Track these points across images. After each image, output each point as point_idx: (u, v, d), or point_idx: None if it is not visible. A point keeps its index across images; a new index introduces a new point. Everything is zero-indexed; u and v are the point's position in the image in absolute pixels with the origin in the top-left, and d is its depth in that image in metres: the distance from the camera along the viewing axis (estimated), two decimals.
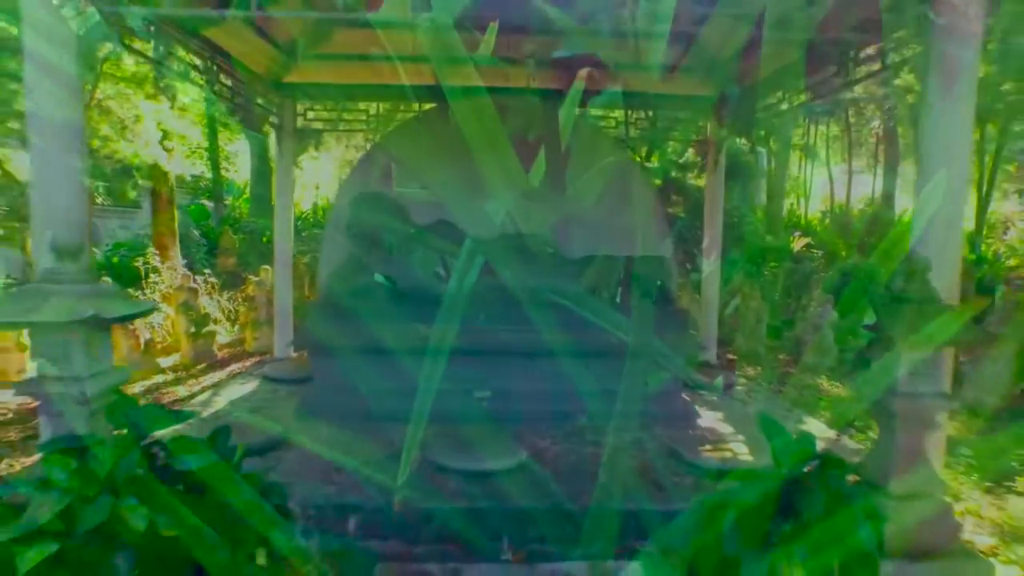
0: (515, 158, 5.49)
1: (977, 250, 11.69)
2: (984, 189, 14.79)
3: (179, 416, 3.43)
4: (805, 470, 3.46)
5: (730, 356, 8.62)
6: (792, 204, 22.83)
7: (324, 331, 5.24)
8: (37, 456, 4.69)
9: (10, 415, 5.89)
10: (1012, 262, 10.57)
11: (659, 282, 5.73)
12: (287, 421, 5.03)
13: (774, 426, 3.75)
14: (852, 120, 18.93)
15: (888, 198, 17.21)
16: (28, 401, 6.32)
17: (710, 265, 7.87)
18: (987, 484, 4.70)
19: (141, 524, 2.75)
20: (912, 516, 3.28)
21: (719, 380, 6.46)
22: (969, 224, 14.33)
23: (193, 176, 16.45)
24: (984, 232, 15.13)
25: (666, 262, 6.03)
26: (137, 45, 4.95)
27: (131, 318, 3.85)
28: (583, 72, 5.12)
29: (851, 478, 3.51)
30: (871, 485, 3.40)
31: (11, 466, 4.77)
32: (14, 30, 6.81)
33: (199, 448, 3.28)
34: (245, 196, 19.81)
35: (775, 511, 3.29)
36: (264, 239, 15.67)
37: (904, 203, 16.92)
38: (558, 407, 5.06)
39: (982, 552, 3.73)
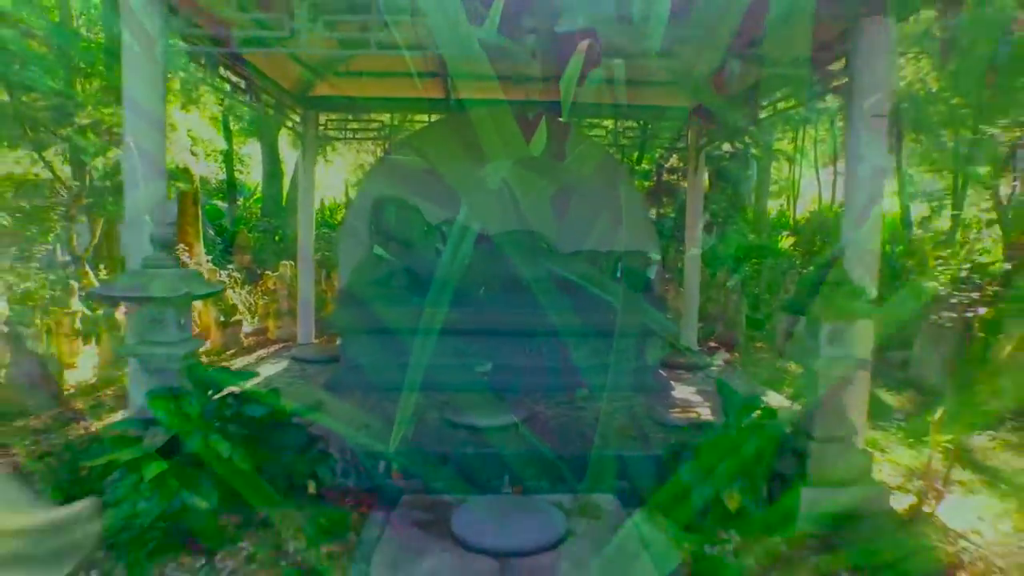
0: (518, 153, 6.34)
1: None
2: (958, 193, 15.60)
3: (242, 376, 4.30)
4: (748, 422, 4.33)
5: (711, 343, 9.48)
6: (783, 205, 23.67)
7: (349, 316, 6.09)
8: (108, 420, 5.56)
9: (74, 390, 6.73)
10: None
11: (641, 273, 6.58)
12: (319, 392, 5.88)
13: (727, 388, 4.64)
14: (839, 124, 19.73)
15: None
16: (88, 378, 7.18)
17: (692, 261, 8.71)
18: (911, 442, 5.54)
19: (226, 453, 3.61)
20: (828, 455, 4.12)
21: (715, 356, 7.28)
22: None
23: (202, 177, 17.27)
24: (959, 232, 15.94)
25: (648, 257, 6.88)
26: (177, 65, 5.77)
27: (210, 296, 4.73)
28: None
29: (788, 429, 4.39)
30: (801, 431, 4.25)
31: (87, 428, 5.62)
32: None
33: (262, 401, 4.15)
34: (256, 196, 20.66)
35: (722, 453, 4.15)
36: (276, 237, 16.53)
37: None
38: (553, 379, 5.90)
39: (894, 488, 4.58)
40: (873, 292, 4.61)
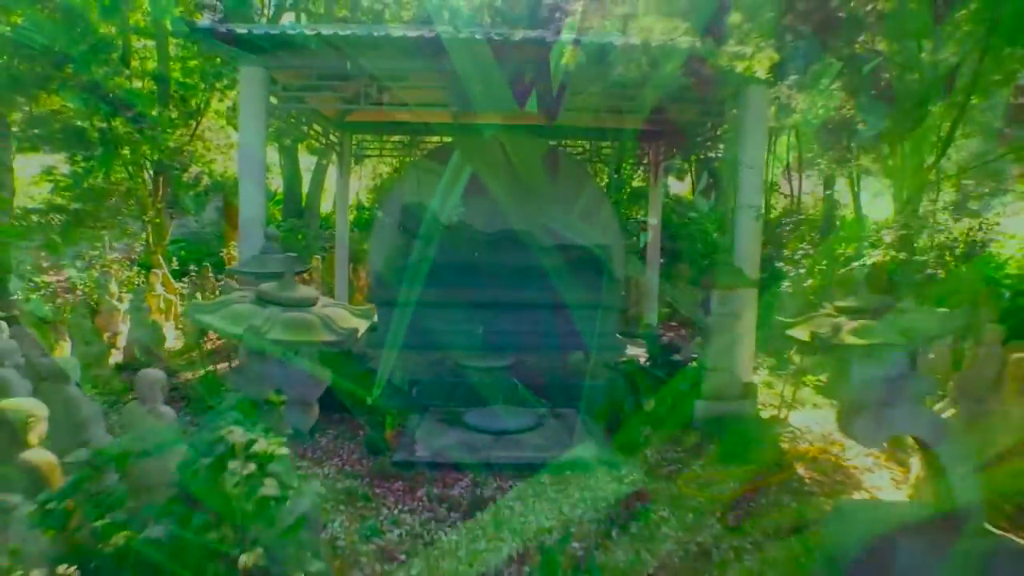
0: (506, 176, 8.43)
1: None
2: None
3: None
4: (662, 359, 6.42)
5: (671, 322, 11.54)
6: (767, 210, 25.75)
7: (381, 294, 8.12)
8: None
9: (166, 352, 8.78)
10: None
11: (603, 262, 8.64)
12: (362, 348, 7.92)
13: (649, 337, 6.72)
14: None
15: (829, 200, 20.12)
16: (172, 344, 9.23)
17: (652, 254, 10.77)
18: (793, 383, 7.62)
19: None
20: (714, 379, 6.17)
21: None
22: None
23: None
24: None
25: (610, 249, 8.93)
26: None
27: (302, 272, 6.77)
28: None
29: (679, 358, 6.47)
30: (699, 364, 6.32)
31: (187, 378, 7.67)
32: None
33: None
34: (277, 197, 22.70)
35: (644, 378, 6.24)
36: (300, 236, 18.57)
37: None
38: (534, 340, 7.94)
39: (765, 405, 6.66)
40: (753, 273, 6.67)
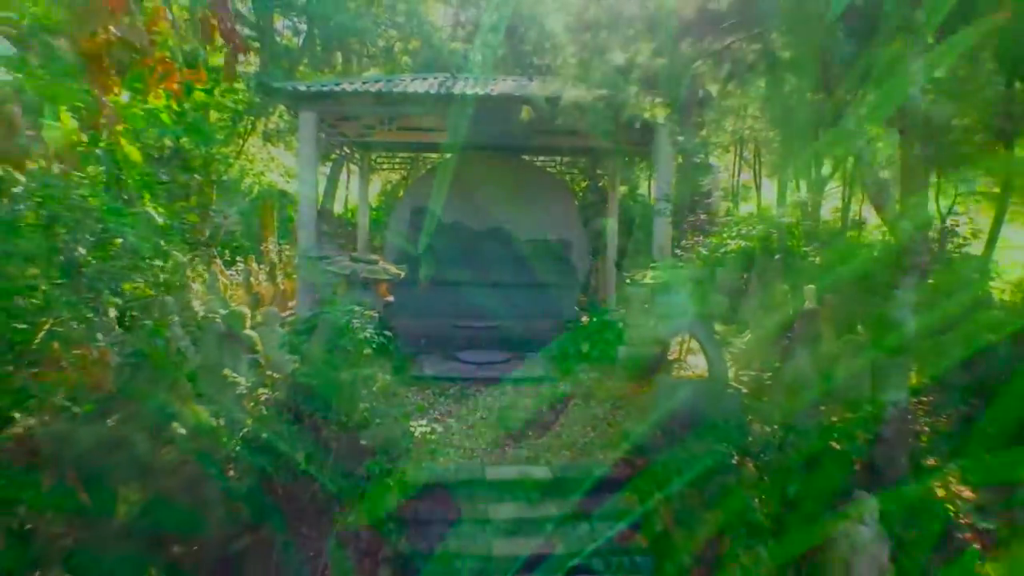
0: (491, 185, 11.13)
1: None
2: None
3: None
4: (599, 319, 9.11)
5: None
6: (730, 207, 28.41)
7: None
8: None
9: None
10: None
11: (565, 254, 11.34)
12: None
13: (592, 306, 9.43)
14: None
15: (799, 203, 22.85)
16: None
17: (611, 246, 13.44)
18: None
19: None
20: (632, 332, 8.84)
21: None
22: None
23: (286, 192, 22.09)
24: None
25: (571, 242, 11.62)
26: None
27: (326, 261, 9.47)
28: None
29: (609, 318, 9.16)
30: (623, 322, 9.01)
31: None
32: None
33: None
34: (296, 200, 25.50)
35: (585, 332, 8.93)
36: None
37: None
38: (514, 310, 10.62)
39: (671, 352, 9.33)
40: (665, 256, 9.32)
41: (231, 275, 13.55)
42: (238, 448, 4.20)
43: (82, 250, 3.48)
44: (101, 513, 3.02)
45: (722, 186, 24.24)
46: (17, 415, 3.09)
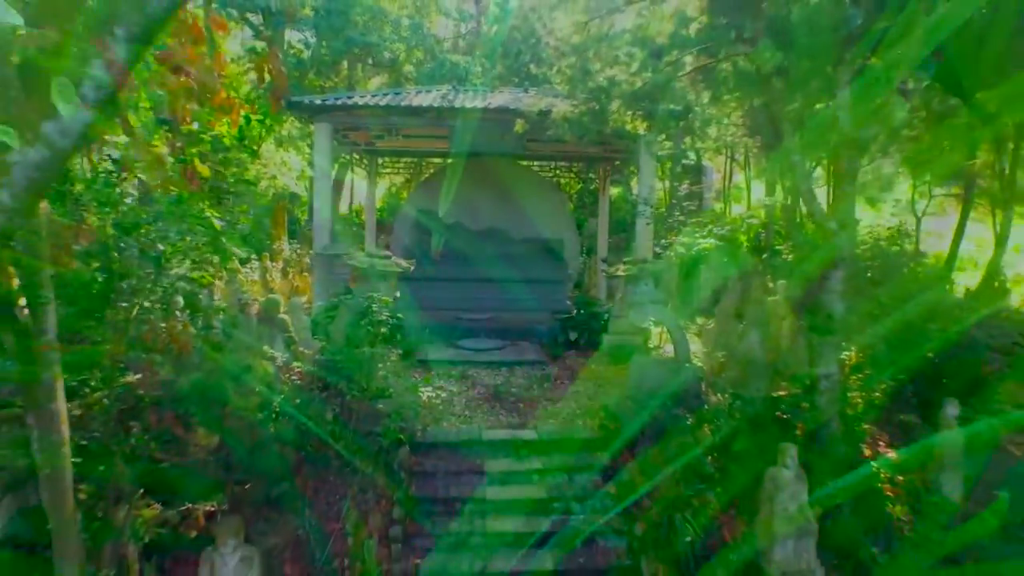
0: (489, 190, 12.08)
1: None
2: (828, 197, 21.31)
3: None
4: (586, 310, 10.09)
5: None
6: (722, 207, 29.40)
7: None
8: None
9: None
10: None
11: (558, 252, 12.30)
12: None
13: (580, 297, 10.41)
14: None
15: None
16: None
17: (601, 244, 14.40)
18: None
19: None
20: (617, 322, 9.80)
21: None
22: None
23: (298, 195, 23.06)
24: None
25: (562, 241, 12.58)
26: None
27: (345, 256, 10.45)
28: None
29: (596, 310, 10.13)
30: (609, 314, 9.96)
31: None
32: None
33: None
34: (303, 201, 26.43)
35: (572, 321, 9.90)
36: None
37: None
38: (509, 303, 11.57)
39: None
40: (646, 255, 10.27)
41: (246, 272, 14.55)
42: (279, 409, 5.14)
43: (160, 247, 4.43)
44: (189, 444, 3.96)
45: (715, 187, 25.42)
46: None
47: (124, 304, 4.04)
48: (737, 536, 5.29)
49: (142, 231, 4.34)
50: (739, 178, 28.36)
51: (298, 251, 16.51)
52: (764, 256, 10.45)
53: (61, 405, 3.12)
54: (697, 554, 5.03)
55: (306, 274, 14.96)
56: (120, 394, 3.91)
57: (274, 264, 14.55)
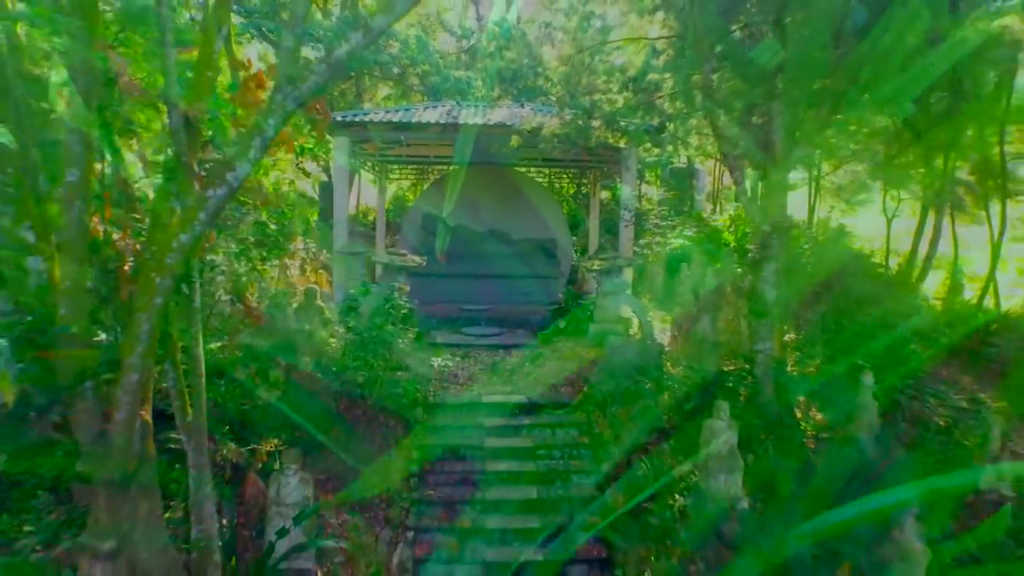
0: (490, 194, 13.47)
1: None
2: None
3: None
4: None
5: None
6: (715, 208, 30.76)
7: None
8: None
9: None
10: None
11: (552, 251, 13.68)
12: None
13: (569, 291, 11.80)
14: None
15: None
16: None
17: (592, 243, 15.76)
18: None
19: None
20: (603, 308, 11.17)
21: None
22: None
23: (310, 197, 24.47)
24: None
25: (556, 241, 13.95)
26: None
27: (366, 253, 11.86)
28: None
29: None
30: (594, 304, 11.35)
31: None
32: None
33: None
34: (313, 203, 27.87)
35: (563, 314, 11.28)
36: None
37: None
38: (507, 298, 12.94)
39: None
40: (627, 253, 11.63)
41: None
42: (323, 371, 6.54)
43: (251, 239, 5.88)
44: (265, 389, 5.36)
45: (707, 189, 26.79)
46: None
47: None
48: (683, 473, 6.66)
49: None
50: (729, 180, 29.60)
51: (313, 250, 17.96)
52: (733, 252, 11.84)
53: (201, 351, 4.44)
54: (649, 485, 6.41)
55: (322, 271, 16.37)
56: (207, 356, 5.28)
57: (292, 262, 15.98)
